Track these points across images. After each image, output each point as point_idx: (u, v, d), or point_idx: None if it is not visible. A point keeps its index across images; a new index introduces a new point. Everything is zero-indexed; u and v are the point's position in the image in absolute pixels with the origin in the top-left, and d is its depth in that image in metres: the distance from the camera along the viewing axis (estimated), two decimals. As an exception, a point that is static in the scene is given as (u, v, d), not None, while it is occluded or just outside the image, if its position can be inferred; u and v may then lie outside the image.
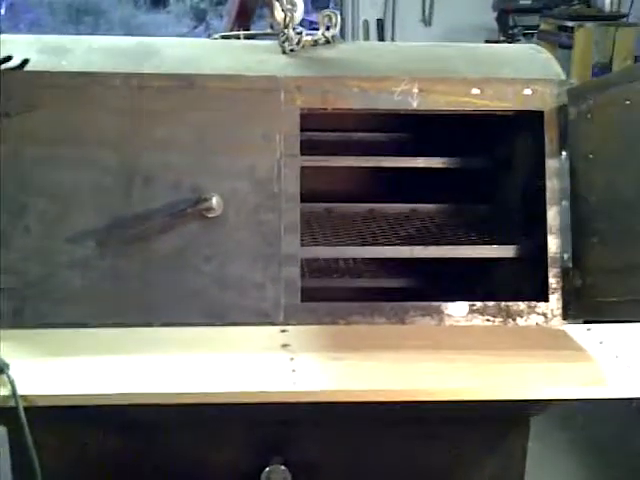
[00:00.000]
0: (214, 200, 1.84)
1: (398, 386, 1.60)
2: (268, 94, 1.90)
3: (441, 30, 7.71)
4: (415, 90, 1.94)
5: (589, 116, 1.84)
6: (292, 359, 1.69)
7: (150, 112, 1.86)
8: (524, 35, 6.82)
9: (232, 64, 2.01)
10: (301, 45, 2.16)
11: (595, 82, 1.88)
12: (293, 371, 1.64)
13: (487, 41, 6.66)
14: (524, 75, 2.02)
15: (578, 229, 1.89)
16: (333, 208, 2.34)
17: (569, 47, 5.58)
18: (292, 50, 2.13)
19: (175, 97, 1.88)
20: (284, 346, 1.75)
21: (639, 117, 1.71)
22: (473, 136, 2.28)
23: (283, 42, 2.14)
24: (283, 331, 1.82)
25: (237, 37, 2.35)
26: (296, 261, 1.88)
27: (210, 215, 1.85)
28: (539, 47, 2.29)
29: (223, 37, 2.33)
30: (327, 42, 2.22)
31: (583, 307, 1.85)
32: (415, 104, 1.94)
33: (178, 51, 2.09)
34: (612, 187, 1.78)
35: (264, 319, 1.85)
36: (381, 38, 7.74)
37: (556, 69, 2.10)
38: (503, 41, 6.86)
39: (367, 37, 7.77)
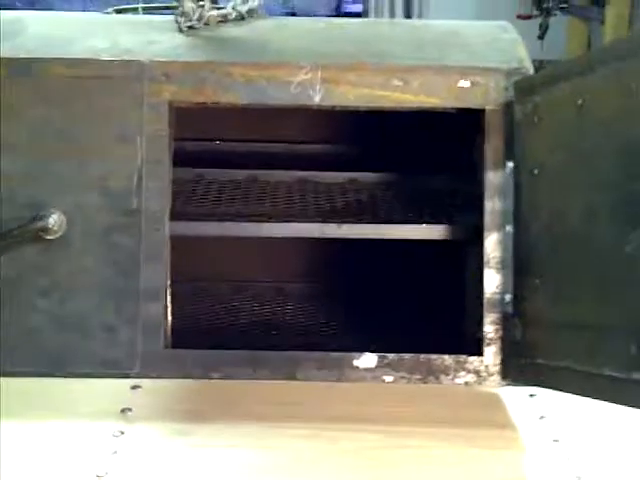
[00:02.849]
0: (53, 218, 1.46)
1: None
2: (127, 84, 1.50)
3: (474, 1, 7.16)
4: (318, 81, 1.51)
5: (535, 119, 1.40)
6: (122, 433, 1.30)
7: (-25, 105, 1.48)
8: (561, 9, 6.25)
9: (108, 45, 1.61)
10: (203, 21, 1.74)
11: (544, 74, 1.43)
12: (114, 453, 1.25)
13: (519, 16, 6.13)
14: (467, 62, 1.58)
15: (519, 264, 1.45)
16: (258, 175, 1.95)
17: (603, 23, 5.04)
18: (191, 27, 1.72)
19: (8, 87, 1.49)
20: (123, 411, 1.36)
21: (593, 123, 1.26)
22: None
23: (180, 17, 1.73)
24: (135, 387, 1.43)
25: (135, 10, 1.94)
26: (160, 297, 1.48)
27: (48, 237, 1.47)
28: (508, 26, 1.83)
29: (118, 11, 1.92)
30: (241, 18, 1.80)
31: (521, 368, 1.42)
32: (317, 98, 1.51)
33: (47, 30, 1.69)
34: (557, 214, 1.34)
35: (114, 370, 1.46)
36: (407, 12, 7.24)
37: (518, 54, 1.65)
38: (536, 16, 6.31)
39: (392, 11, 7.29)
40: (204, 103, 1.52)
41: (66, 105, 1.48)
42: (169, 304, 1.53)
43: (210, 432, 1.31)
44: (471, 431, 1.33)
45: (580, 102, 1.29)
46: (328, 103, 1.51)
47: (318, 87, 1.51)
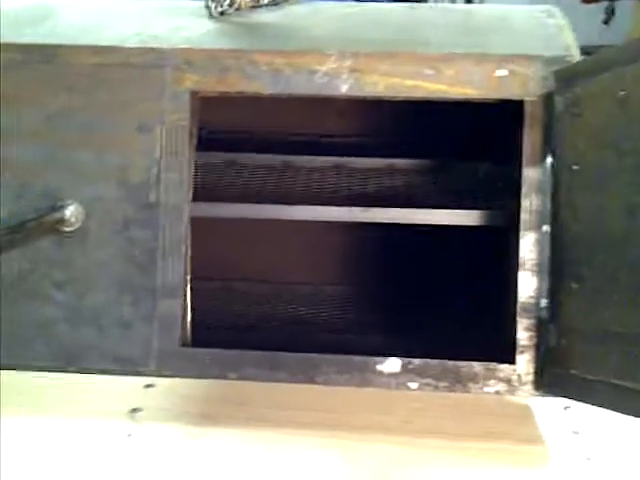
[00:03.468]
0: (70, 209, 1.42)
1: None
2: (148, 72, 1.45)
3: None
4: (345, 70, 1.43)
5: (576, 110, 1.30)
6: (129, 435, 1.25)
7: (-7, 92, 1.44)
8: (627, -9, 5.99)
9: (137, 32, 1.56)
10: (235, 6, 1.68)
11: (585, 63, 1.33)
12: (119, 456, 1.21)
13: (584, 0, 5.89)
14: (507, 49, 1.48)
15: (556, 267, 1.36)
16: (292, 161, 1.89)
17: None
18: (222, 13, 1.67)
19: (27, 74, 1.45)
20: (133, 411, 1.31)
21: (635, 117, 1.16)
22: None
23: (210, 2, 1.67)
24: (148, 386, 1.39)
25: (167, -4, 1.88)
26: (178, 294, 1.43)
27: (66, 229, 1.43)
28: (555, 10, 1.72)
29: (150, -4, 1.87)
30: (275, 3, 1.73)
31: (555, 379, 1.32)
32: (344, 88, 1.44)
33: (77, 16, 1.65)
34: (598, 214, 1.24)
35: (128, 367, 1.41)
36: (469, -4, 7.04)
37: (563, 41, 1.55)
38: None
39: (454, -5, 7.10)
40: (227, 92, 1.46)
41: (88, 94, 1.44)
42: (189, 301, 1.47)
43: (221, 436, 1.26)
44: (498, 445, 1.25)
45: (622, 94, 1.19)
46: (356, 93, 1.43)
47: (345, 76, 1.43)
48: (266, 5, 1.73)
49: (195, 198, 1.48)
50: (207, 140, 1.76)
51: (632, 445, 1.22)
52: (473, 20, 1.68)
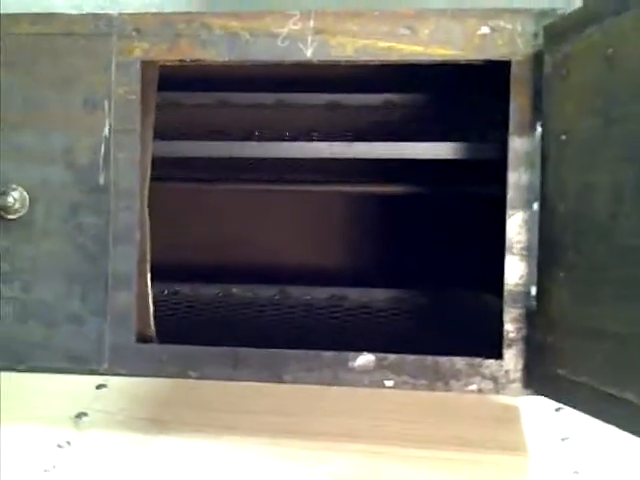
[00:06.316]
0: (14, 195, 1.31)
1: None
2: (93, 41, 1.31)
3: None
4: (309, 32, 1.28)
5: (564, 72, 1.13)
6: (68, 444, 1.14)
7: None
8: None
9: (79, 2, 1.44)
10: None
11: (576, 15, 1.14)
12: (53, 468, 1.10)
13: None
14: (493, 3, 1.31)
15: (544, 252, 1.19)
16: (285, 98, 1.81)
17: None
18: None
19: (-34, 48, 1.33)
20: (78, 416, 1.20)
21: (623, 78, 0.99)
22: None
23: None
24: (100, 387, 1.27)
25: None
26: (131, 285, 1.31)
27: (9, 216, 1.32)
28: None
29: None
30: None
31: (541, 377, 1.17)
32: (309, 53, 1.28)
33: None
34: (584, 192, 1.07)
35: (80, 366, 1.31)
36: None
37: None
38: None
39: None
40: (182, 61, 1.32)
41: (29, 67, 1.32)
42: (149, 291, 1.35)
43: (167, 444, 1.14)
44: (472, 455, 1.10)
45: (610, 52, 1.01)
46: (322, 58, 1.28)
47: (310, 39, 1.28)
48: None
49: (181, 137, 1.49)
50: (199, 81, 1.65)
51: (625, 456, 1.06)
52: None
